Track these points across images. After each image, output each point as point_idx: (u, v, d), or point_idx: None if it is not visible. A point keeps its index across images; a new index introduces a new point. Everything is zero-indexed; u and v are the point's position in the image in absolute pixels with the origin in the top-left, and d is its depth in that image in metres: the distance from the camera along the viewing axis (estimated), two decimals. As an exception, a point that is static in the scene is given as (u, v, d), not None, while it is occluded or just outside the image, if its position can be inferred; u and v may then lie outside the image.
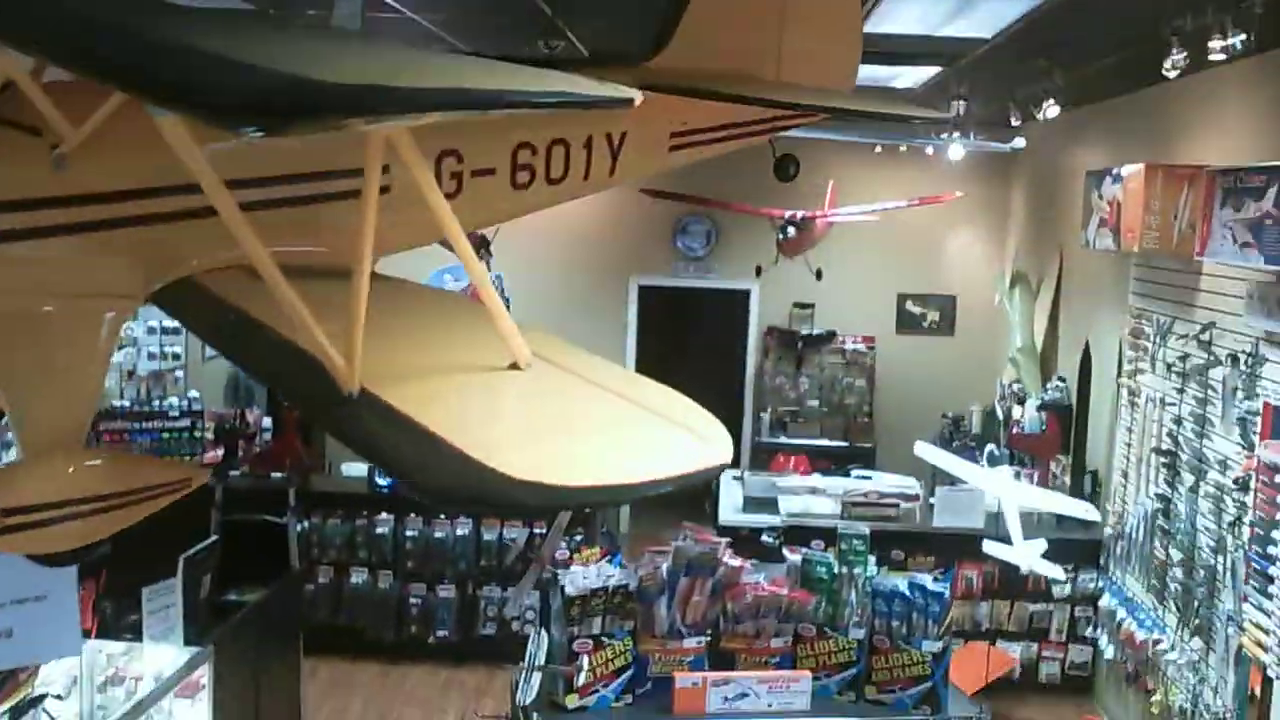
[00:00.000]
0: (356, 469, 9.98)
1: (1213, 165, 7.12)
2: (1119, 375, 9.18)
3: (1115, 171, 8.07)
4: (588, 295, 13.09)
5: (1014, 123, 9.50)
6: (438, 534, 9.59)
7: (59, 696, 5.52)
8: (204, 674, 6.34)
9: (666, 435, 2.69)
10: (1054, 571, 7.18)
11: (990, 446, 8.54)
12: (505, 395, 2.81)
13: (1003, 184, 12.83)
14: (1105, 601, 8.97)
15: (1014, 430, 10.40)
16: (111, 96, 2.83)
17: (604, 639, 4.49)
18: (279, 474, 9.44)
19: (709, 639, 4.63)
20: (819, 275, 11.79)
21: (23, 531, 3.01)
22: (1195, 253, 7.16)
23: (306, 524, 9.27)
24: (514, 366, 2.88)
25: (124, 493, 3.12)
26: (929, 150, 11.73)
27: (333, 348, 2.57)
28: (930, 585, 4.70)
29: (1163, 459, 8.18)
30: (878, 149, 12.15)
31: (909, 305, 13.14)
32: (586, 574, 4.60)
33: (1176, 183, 7.46)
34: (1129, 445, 8.94)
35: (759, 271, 11.93)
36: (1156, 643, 8.02)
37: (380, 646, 9.50)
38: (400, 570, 9.61)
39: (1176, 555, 7.89)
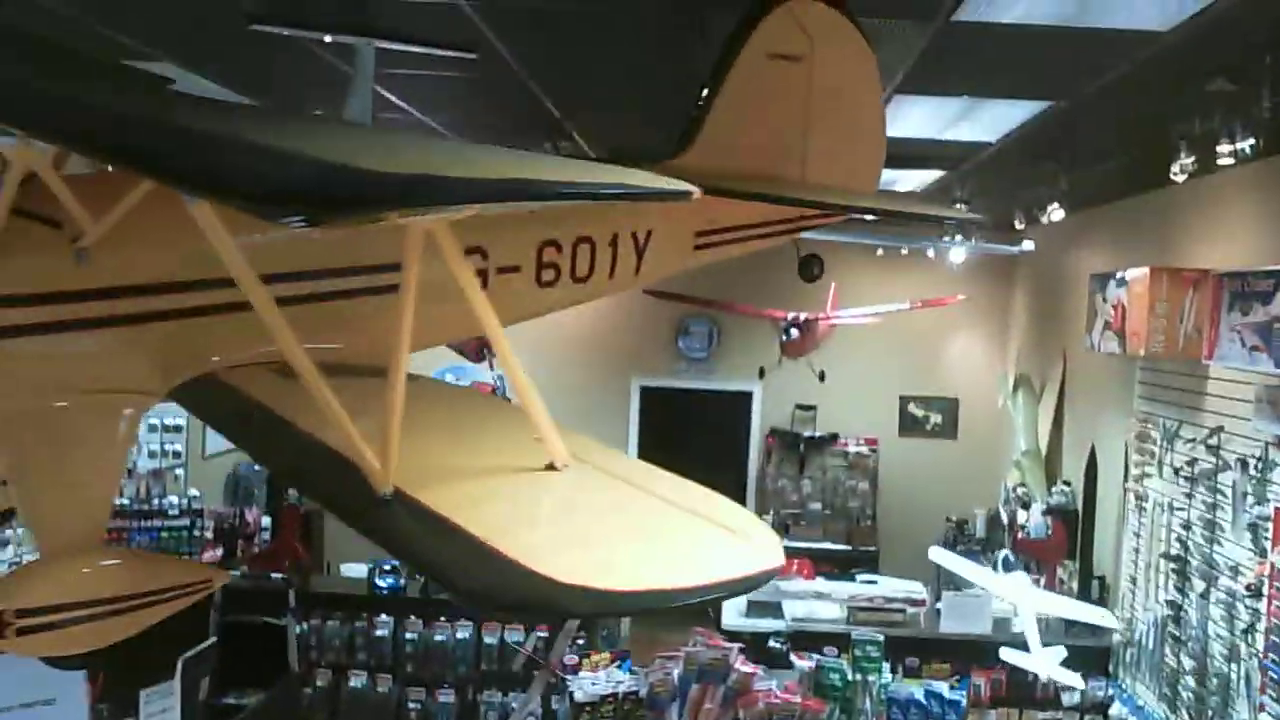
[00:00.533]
0: (356, 569, 9.87)
1: (1219, 269, 7.16)
2: (1125, 480, 9.12)
3: (1120, 275, 8.10)
4: (589, 395, 13.07)
5: (1018, 225, 9.56)
6: (438, 636, 9.44)
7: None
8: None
9: (715, 539, 2.62)
10: (1073, 680, 7.07)
11: (1005, 552, 8.45)
12: (545, 497, 2.75)
13: (1005, 286, 12.90)
14: (1116, 710, 8.82)
15: (1019, 535, 10.32)
16: (133, 189, 2.81)
17: (616, 749, 4.41)
18: (278, 574, 9.32)
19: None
20: (821, 377, 11.81)
21: (39, 633, 2.93)
22: (1204, 356, 7.17)
23: (305, 625, 9.12)
24: (550, 467, 2.83)
25: (144, 594, 3.05)
26: (930, 253, 11.80)
27: (367, 448, 2.52)
28: (946, 693, 4.62)
29: (1172, 564, 8.11)
30: (879, 251, 12.21)
31: (911, 408, 13.14)
32: (596, 680, 4.51)
33: (1182, 286, 7.49)
34: (1137, 551, 8.87)
35: (762, 373, 11.94)
36: (1171, 754, 7.88)
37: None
38: (400, 673, 9.44)
39: (1189, 663, 7.79)
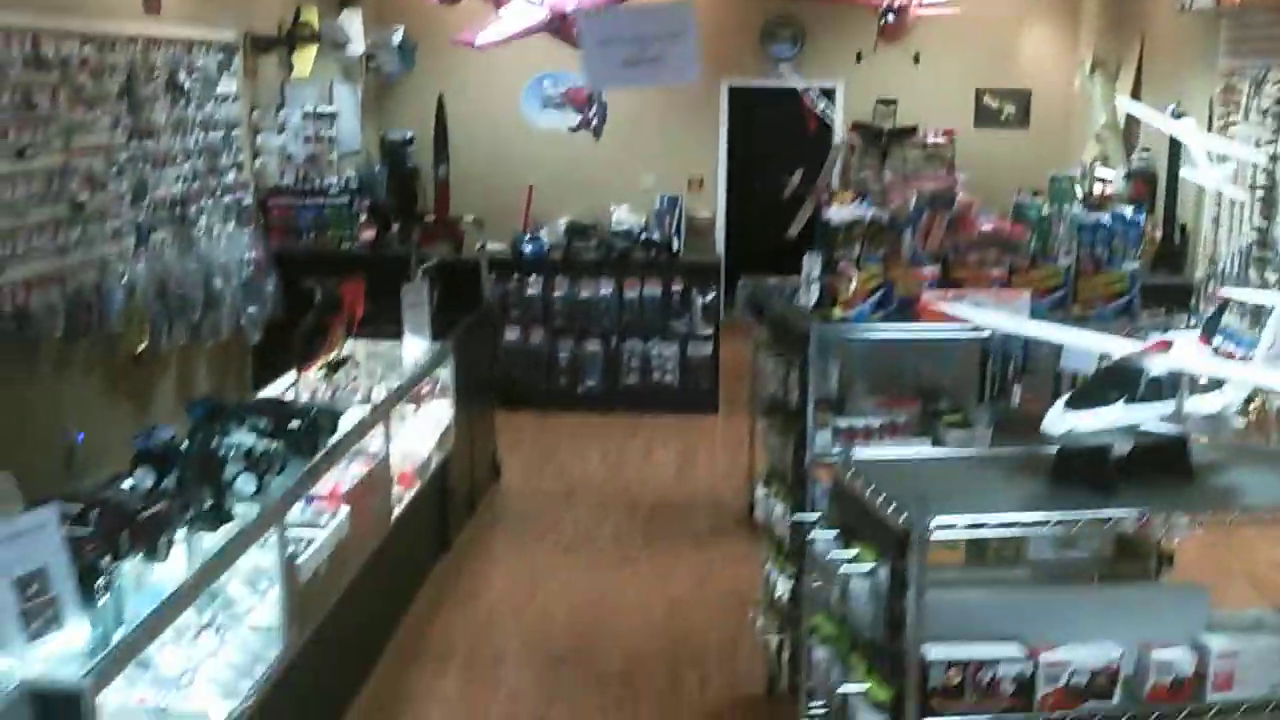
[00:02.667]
0: (499, 246, 10.84)
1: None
2: (1209, 131, 9.97)
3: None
4: (676, 97, 13.79)
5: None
6: (583, 294, 10.50)
7: (357, 362, 6.45)
8: (450, 362, 7.29)
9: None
10: (1239, 194, 8.10)
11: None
12: None
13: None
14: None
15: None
16: None
17: (862, 262, 5.36)
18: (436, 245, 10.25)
19: (942, 268, 5.48)
20: (916, 59, 12.54)
21: None
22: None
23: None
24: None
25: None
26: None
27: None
28: (1129, 215, 5.57)
29: (1259, 193, 9.00)
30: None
31: (986, 100, 13.90)
32: (843, 211, 5.46)
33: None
34: (1218, 203, 9.78)
35: (859, 57, 12.64)
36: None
37: (535, 396, 10.44)
38: (550, 327, 10.54)
39: (1272, 276, 8.75)
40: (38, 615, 3.43)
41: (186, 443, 4.68)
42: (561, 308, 10.54)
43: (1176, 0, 10.00)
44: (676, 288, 10.51)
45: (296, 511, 5.10)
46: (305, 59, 10.62)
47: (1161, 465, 3.45)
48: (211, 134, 8.90)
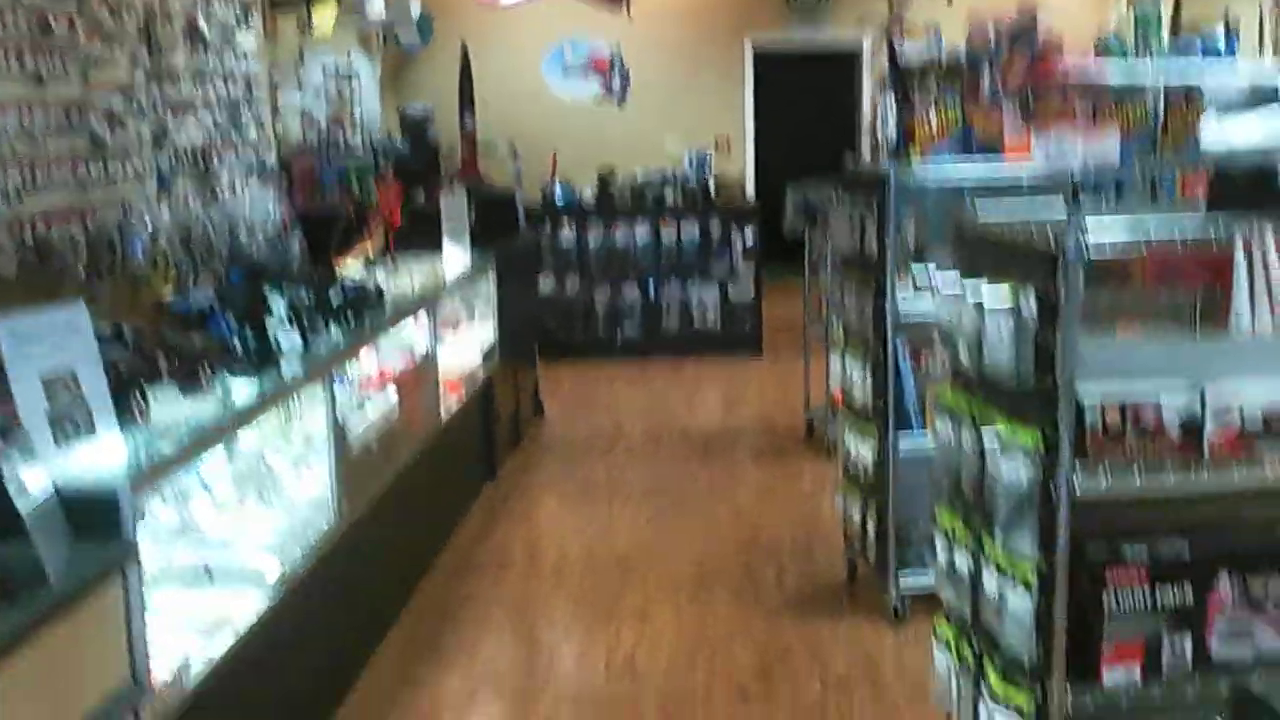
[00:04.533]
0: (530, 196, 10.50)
1: None
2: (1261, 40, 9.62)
3: None
4: (699, 57, 13.49)
5: None
6: (618, 240, 10.13)
7: (395, 259, 6.10)
8: (490, 276, 6.93)
9: None
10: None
11: None
12: None
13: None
14: None
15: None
16: None
17: (939, 101, 5.00)
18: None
19: (1023, 108, 5.11)
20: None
21: None
22: None
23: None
24: None
25: None
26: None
27: None
28: (1221, 42, 5.22)
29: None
30: None
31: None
32: (918, 47, 5.10)
33: None
34: None
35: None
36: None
37: (572, 346, 10.06)
38: (586, 274, 10.17)
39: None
40: (67, 419, 3.06)
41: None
42: (596, 254, 10.17)
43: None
44: (714, 231, 10.14)
45: (344, 391, 4.75)
46: (326, 18, 10.31)
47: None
48: (232, 86, 8.57)
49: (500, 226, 8.12)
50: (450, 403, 6.06)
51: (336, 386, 4.52)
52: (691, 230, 10.12)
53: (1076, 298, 2.72)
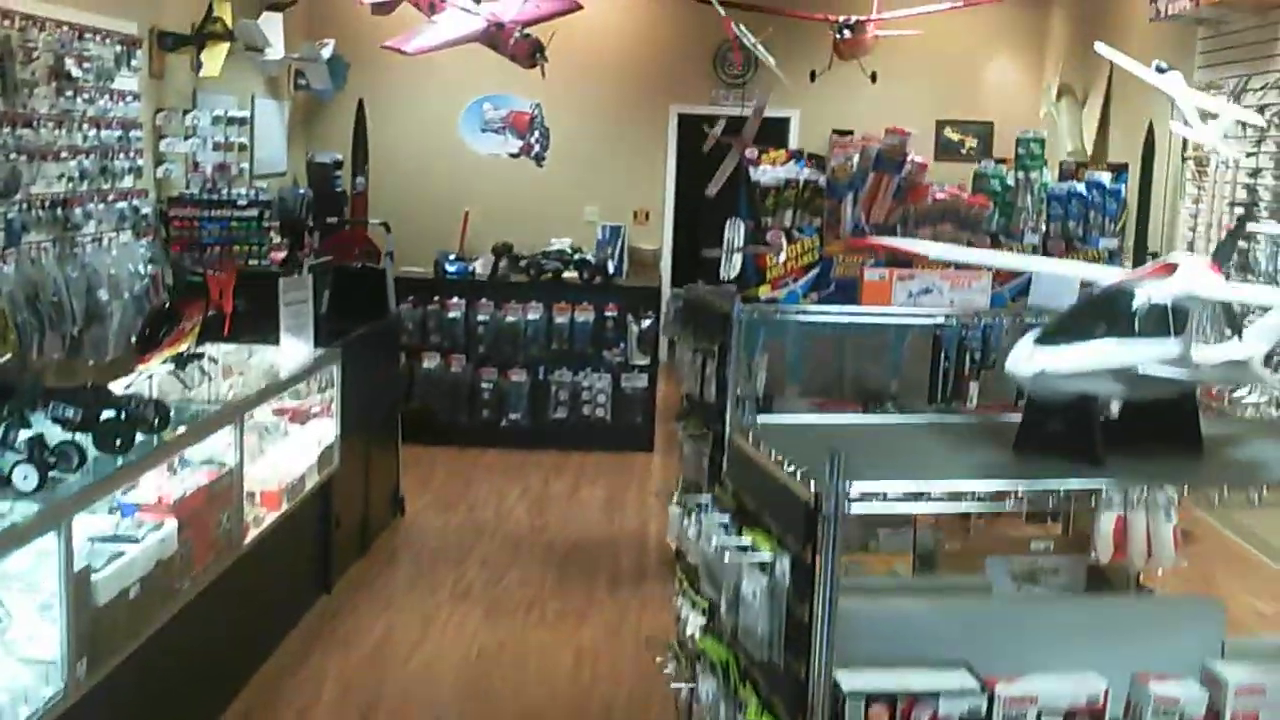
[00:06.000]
0: (421, 270, 9.99)
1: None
2: (1185, 151, 9.29)
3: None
4: (623, 124, 13.08)
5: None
6: (509, 319, 9.62)
7: (213, 359, 5.53)
8: (335, 369, 6.39)
9: None
10: (1232, 151, 7.38)
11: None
12: None
13: (1039, 4, 12.87)
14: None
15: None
16: None
17: (795, 232, 4.54)
18: (351, 263, 9.40)
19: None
20: (874, 78, 11.81)
21: None
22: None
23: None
24: None
25: None
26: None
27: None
28: (1108, 184, 4.77)
29: (1239, 209, 8.28)
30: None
31: (947, 132, 13.21)
32: (773, 170, 4.64)
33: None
34: (1195, 215, 9.07)
35: (813, 76, 11.88)
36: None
37: (454, 430, 9.52)
38: (473, 355, 9.65)
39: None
40: None
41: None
42: (485, 334, 9.64)
43: (1150, 8, 9.35)
44: (611, 314, 9.64)
45: (105, 523, 4.21)
46: (216, 57, 9.78)
47: (1163, 429, 2.60)
48: (105, 132, 8.01)
49: (368, 305, 7.61)
50: (265, 518, 5.51)
51: (96, 533, 4.00)
52: (587, 313, 9.60)
53: (835, 563, 2.23)
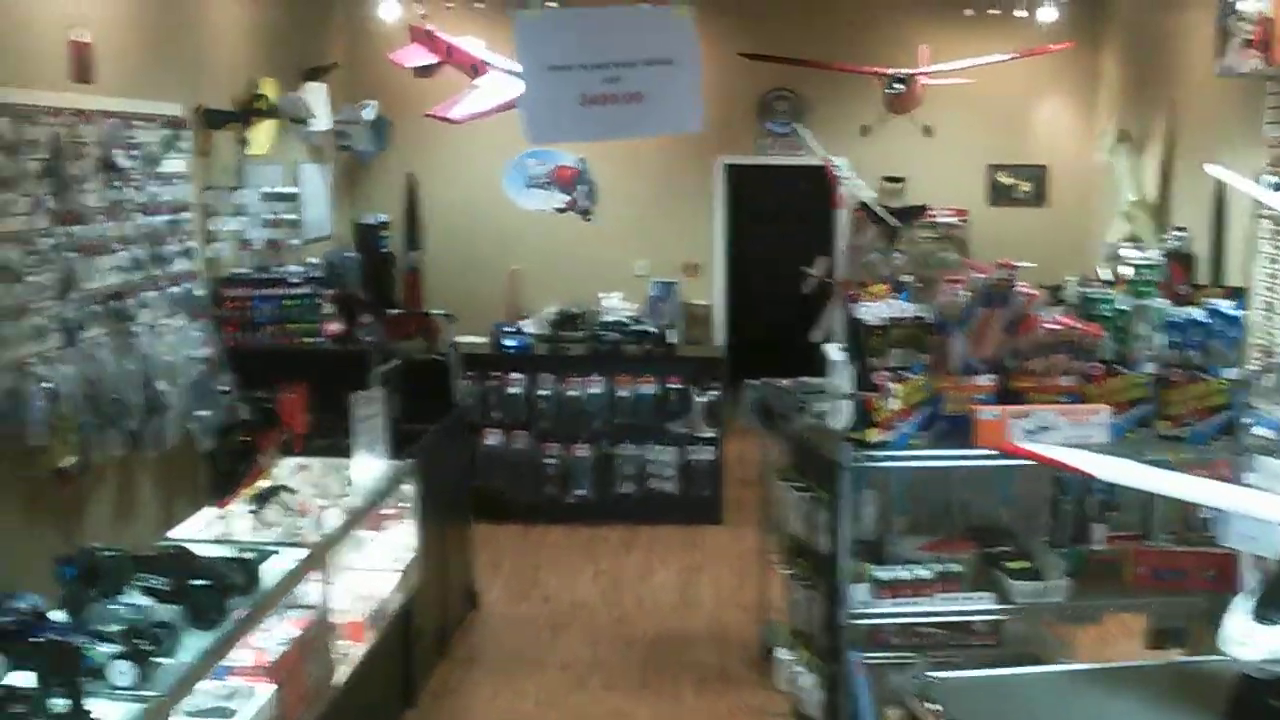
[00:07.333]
0: (478, 339, 9.84)
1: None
2: (1256, 211, 9.06)
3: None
4: (672, 175, 12.92)
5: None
6: (571, 392, 9.48)
7: (293, 490, 5.39)
8: (414, 483, 6.24)
9: None
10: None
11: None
12: None
13: (1090, 47, 12.65)
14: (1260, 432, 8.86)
15: (1136, 278, 10.26)
16: None
17: (903, 372, 4.37)
18: (407, 340, 9.27)
19: (999, 377, 4.50)
20: (928, 131, 11.64)
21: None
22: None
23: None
24: None
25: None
26: (1020, 12, 11.59)
27: None
28: (1227, 310, 4.59)
29: (1325, 276, 8.06)
30: (968, 11, 11.98)
31: (1000, 177, 13.01)
32: (876, 308, 4.47)
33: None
34: (1274, 275, 8.84)
35: (864, 131, 11.72)
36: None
37: (519, 507, 9.38)
38: (535, 430, 9.50)
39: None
40: None
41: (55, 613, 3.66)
42: (547, 408, 9.49)
43: (1215, 64, 9.12)
44: (674, 385, 9.47)
45: (202, 695, 4.06)
46: (262, 134, 9.69)
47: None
48: (155, 218, 7.91)
49: (431, 393, 7.48)
50: (353, 652, 5.36)
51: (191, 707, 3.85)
52: (650, 385, 9.45)
53: None
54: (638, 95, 4.13)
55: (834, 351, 4.74)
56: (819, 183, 12.59)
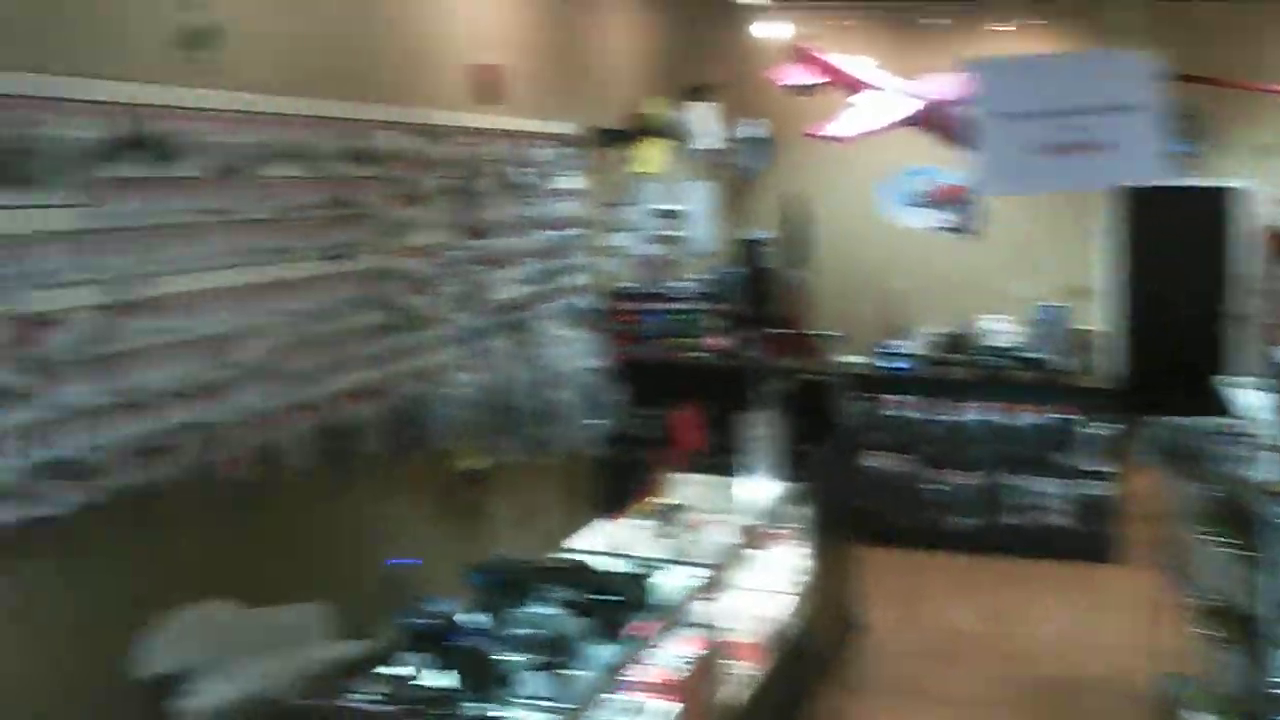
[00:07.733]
0: (856, 358, 9.67)
1: None
2: None
3: None
4: (1061, 195, 12.29)
5: None
6: (954, 418, 9.19)
7: (682, 506, 5.42)
8: (807, 509, 6.17)
9: None
10: None
11: None
12: None
13: None
14: None
15: None
16: None
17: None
18: (788, 358, 9.21)
19: None
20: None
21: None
22: None
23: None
24: None
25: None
26: None
27: None
28: None
29: None
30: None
31: None
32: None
33: None
34: None
35: (1267, 150, 10.79)
36: None
37: (897, 531, 9.16)
38: (916, 454, 9.28)
39: None
40: None
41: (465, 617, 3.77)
42: (928, 432, 9.24)
43: None
44: (1063, 414, 9.02)
45: (609, 710, 4.10)
46: (651, 152, 9.88)
47: None
48: (552, 233, 8.21)
49: (815, 414, 7.37)
50: (748, 673, 5.31)
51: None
52: (1038, 414, 9.04)
53: None
54: (1098, 144, 3.89)
55: (1248, 394, 4.32)
56: (1222, 206, 11.78)
